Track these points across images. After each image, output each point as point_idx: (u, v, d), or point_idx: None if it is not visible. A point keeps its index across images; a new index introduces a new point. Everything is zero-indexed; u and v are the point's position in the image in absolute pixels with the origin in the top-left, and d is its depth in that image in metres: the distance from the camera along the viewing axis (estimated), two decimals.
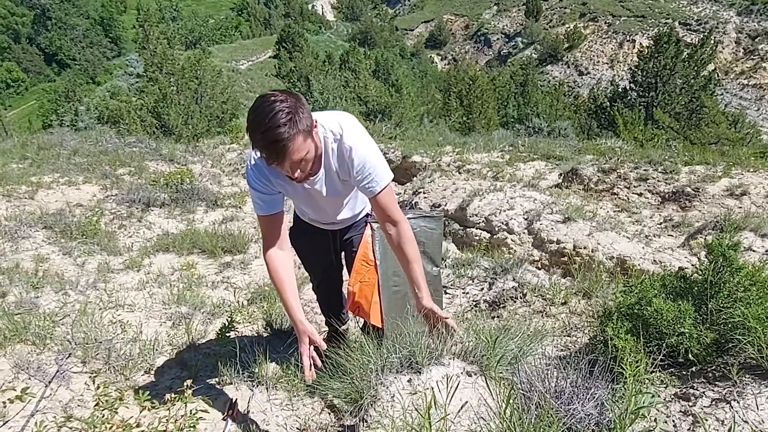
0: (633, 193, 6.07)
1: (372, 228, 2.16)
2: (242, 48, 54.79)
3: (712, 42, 17.44)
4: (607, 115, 16.60)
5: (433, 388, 1.63)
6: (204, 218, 5.83)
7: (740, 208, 5.11)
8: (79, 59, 76.92)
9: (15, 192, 5.66)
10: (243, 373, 2.30)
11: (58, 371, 2.13)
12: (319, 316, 2.89)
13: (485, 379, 1.71)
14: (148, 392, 1.83)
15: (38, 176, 6.27)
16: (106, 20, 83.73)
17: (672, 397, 1.74)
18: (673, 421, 1.65)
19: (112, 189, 6.23)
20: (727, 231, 3.97)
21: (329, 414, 2.14)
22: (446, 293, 3.47)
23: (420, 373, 1.73)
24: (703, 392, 1.70)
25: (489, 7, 65.96)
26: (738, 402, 1.59)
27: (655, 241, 4.44)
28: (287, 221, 1.98)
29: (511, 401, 1.47)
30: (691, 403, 1.68)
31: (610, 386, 1.57)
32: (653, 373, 1.73)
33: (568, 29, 52.77)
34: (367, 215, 2.23)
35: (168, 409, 1.71)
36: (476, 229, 5.25)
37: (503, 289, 3.30)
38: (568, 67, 50.81)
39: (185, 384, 1.75)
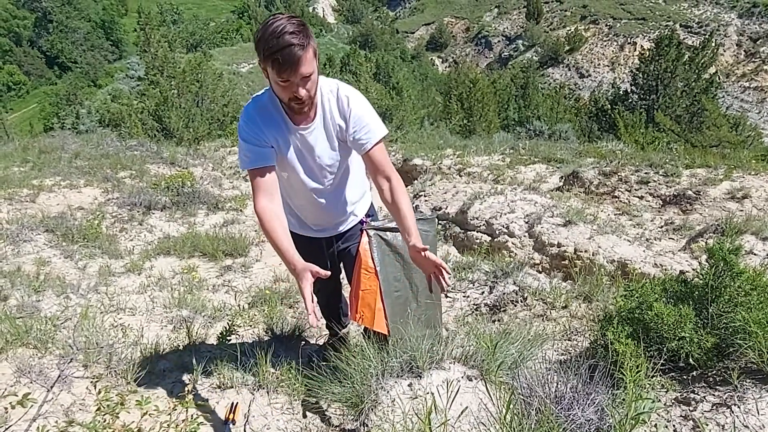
0: (634, 196, 6.07)
1: (369, 235, 2.16)
2: (243, 51, 54.84)
3: (714, 45, 17.46)
4: (608, 118, 16.60)
5: (433, 393, 1.63)
6: (205, 221, 5.83)
7: (741, 211, 5.10)
8: (81, 62, 77.19)
9: (16, 195, 5.67)
10: (244, 377, 2.30)
11: (59, 375, 2.13)
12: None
13: (485, 383, 1.71)
14: (150, 396, 1.84)
15: (40, 179, 6.28)
16: (107, 23, 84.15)
17: (672, 401, 1.74)
18: (674, 425, 1.65)
19: (114, 192, 6.25)
20: (729, 234, 3.97)
21: (330, 418, 2.14)
22: (447, 297, 3.48)
23: (420, 377, 1.73)
24: (704, 397, 1.70)
25: (490, 10, 66.05)
26: (739, 407, 1.59)
27: (656, 245, 4.44)
28: (277, 178, 1.88)
29: (511, 406, 1.48)
30: (691, 408, 1.68)
31: (610, 391, 1.57)
32: (654, 378, 1.74)
33: (569, 32, 52.82)
34: (361, 222, 2.21)
35: (169, 414, 1.71)
36: (477, 232, 5.26)
37: (504, 293, 3.31)
38: (569, 69, 50.84)
39: (186, 388, 1.75)
